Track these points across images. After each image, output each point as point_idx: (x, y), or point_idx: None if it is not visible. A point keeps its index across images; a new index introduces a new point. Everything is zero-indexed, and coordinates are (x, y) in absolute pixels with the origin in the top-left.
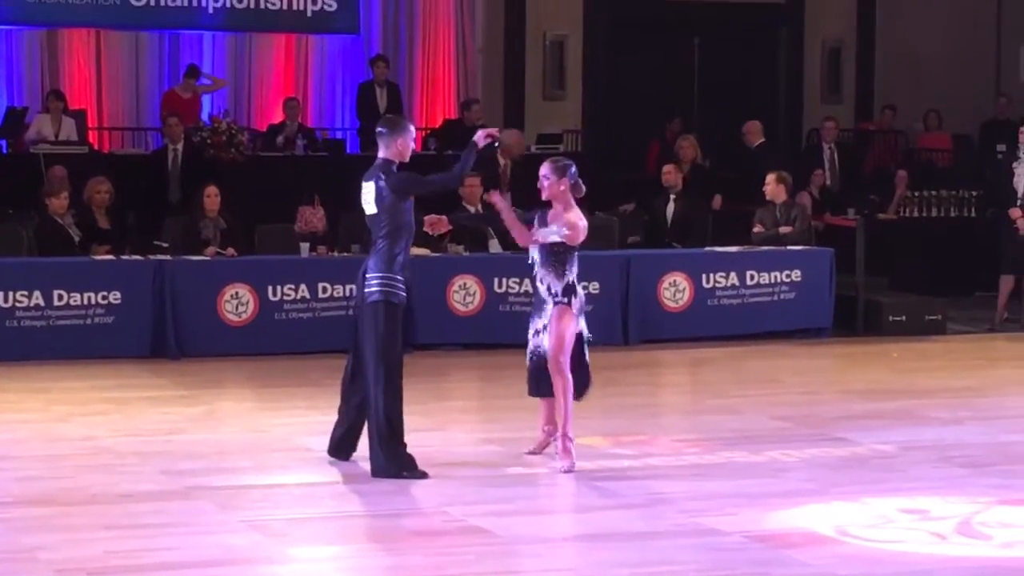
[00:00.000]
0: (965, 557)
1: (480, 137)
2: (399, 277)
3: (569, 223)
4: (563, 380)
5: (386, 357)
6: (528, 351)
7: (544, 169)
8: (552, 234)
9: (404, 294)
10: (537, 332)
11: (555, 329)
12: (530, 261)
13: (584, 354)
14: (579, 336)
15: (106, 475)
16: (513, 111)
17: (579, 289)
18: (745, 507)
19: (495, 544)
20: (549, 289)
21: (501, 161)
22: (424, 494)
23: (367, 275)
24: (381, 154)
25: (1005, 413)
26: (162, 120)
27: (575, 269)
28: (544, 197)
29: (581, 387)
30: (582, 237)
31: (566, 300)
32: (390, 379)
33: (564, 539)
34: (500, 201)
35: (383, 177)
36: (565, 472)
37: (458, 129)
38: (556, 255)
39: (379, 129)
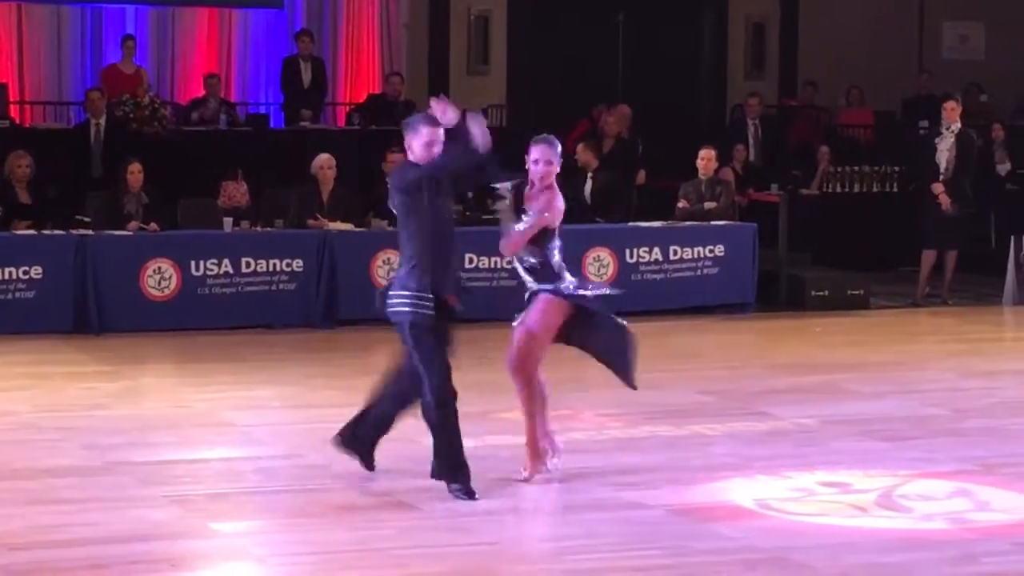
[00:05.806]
0: (886, 529)
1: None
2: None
3: (548, 205)
4: (523, 384)
5: None
6: None
7: (547, 153)
8: (527, 224)
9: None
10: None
11: (529, 318)
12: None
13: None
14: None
15: (27, 450)
16: (437, 86)
17: (566, 275)
18: (668, 481)
19: (418, 519)
20: (530, 269)
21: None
22: (347, 469)
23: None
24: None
25: (926, 387)
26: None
27: (558, 252)
28: (543, 185)
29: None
30: (559, 218)
31: (549, 287)
32: None
33: (487, 513)
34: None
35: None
36: (524, 480)
37: (382, 104)
38: (533, 238)
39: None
